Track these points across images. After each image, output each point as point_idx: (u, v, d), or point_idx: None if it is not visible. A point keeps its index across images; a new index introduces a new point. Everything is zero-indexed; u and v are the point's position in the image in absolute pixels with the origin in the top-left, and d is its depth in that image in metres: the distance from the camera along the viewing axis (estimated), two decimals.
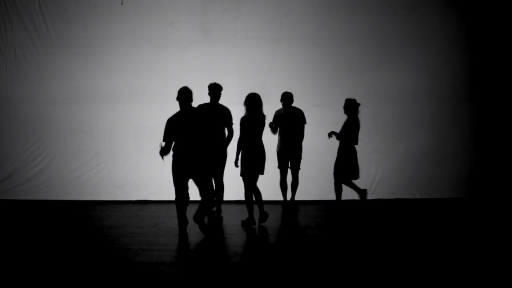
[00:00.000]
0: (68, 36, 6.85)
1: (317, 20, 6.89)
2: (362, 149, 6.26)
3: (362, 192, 6.13)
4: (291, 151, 6.21)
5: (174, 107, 6.80)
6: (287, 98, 6.14)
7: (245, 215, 5.56)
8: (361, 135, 6.37)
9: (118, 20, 6.85)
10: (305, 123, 6.22)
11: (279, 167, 6.31)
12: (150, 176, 6.92)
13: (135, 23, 6.86)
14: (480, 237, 5.02)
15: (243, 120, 5.38)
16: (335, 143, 6.13)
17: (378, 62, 6.88)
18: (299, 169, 6.26)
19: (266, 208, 5.50)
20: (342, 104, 6.12)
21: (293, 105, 6.20)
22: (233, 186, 6.55)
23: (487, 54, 6.95)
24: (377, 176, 6.91)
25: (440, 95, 6.97)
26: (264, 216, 5.49)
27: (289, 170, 6.34)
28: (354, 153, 6.07)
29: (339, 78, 6.86)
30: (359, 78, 6.86)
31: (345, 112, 6.08)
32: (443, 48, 6.91)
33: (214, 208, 5.93)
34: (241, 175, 5.44)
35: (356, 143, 6.09)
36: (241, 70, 6.87)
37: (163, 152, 4.92)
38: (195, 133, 4.95)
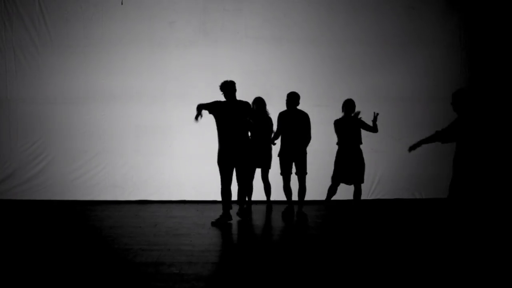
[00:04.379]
0: (68, 36, 6.85)
1: (317, 20, 6.89)
2: (362, 149, 6.25)
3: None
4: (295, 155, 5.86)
5: (174, 107, 6.85)
6: (291, 98, 5.85)
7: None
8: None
9: (118, 20, 6.85)
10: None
11: (282, 173, 5.93)
12: (149, 176, 6.93)
13: (135, 23, 6.86)
14: (480, 237, 5.01)
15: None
16: (335, 143, 6.10)
17: (378, 62, 6.88)
18: (305, 173, 5.89)
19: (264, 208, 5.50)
20: (342, 104, 6.09)
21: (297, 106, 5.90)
22: (233, 186, 6.54)
23: (486, 55, 6.95)
24: (377, 176, 6.91)
25: (440, 95, 6.94)
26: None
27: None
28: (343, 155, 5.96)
29: (339, 78, 6.86)
30: (359, 78, 6.86)
31: (345, 112, 6.01)
32: (442, 48, 6.92)
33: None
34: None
35: (360, 143, 5.98)
36: (241, 70, 6.86)
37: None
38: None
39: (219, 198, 6.67)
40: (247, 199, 5.98)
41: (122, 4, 6.83)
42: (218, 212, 5.75)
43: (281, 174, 5.89)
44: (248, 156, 5.59)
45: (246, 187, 5.70)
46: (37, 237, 5.07)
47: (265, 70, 6.88)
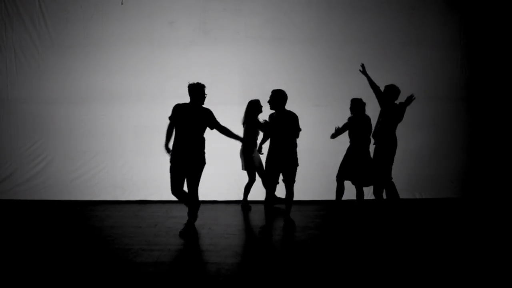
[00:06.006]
0: (68, 36, 6.85)
1: (317, 20, 6.90)
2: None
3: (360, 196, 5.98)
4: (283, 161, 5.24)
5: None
6: (274, 97, 5.24)
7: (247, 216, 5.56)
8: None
9: (118, 19, 6.85)
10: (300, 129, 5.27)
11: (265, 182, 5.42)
12: (149, 176, 6.92)
13: (135, 23, 6.86)
14: (480, 237, 5.02)
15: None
16: (335, 143, 6.07)
17: (378, 62, 6.88)
18: (293, 182, 5.33)
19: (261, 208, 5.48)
20: (342, 104, 6.07)
21: (287, 107, 5.33)
22: (233, 186, 6.55)
23: (485, 55, 6.97)
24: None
25: (439, 95, 6.98)
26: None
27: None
28: (367, 155, 5.84)
29: (339, 78, 6.86)
30: (359, 78, 6.82)
31: (352, 112, 5.90)
32: (442, 48, 6.92)
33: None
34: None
35: (369, 143, 5.87)
36: (241, 70, 6.87)
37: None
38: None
39: (218, 198, 6.71)
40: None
41: (122, 4, 6.83)
42: (218, 212, 5.75)
43: (264, 184, 5.30)
44: (198, 164, 5.05)
45: (192, 198, 5.10)
46: (37, 237, 5.07)
47: (264, 70, 6.88)
